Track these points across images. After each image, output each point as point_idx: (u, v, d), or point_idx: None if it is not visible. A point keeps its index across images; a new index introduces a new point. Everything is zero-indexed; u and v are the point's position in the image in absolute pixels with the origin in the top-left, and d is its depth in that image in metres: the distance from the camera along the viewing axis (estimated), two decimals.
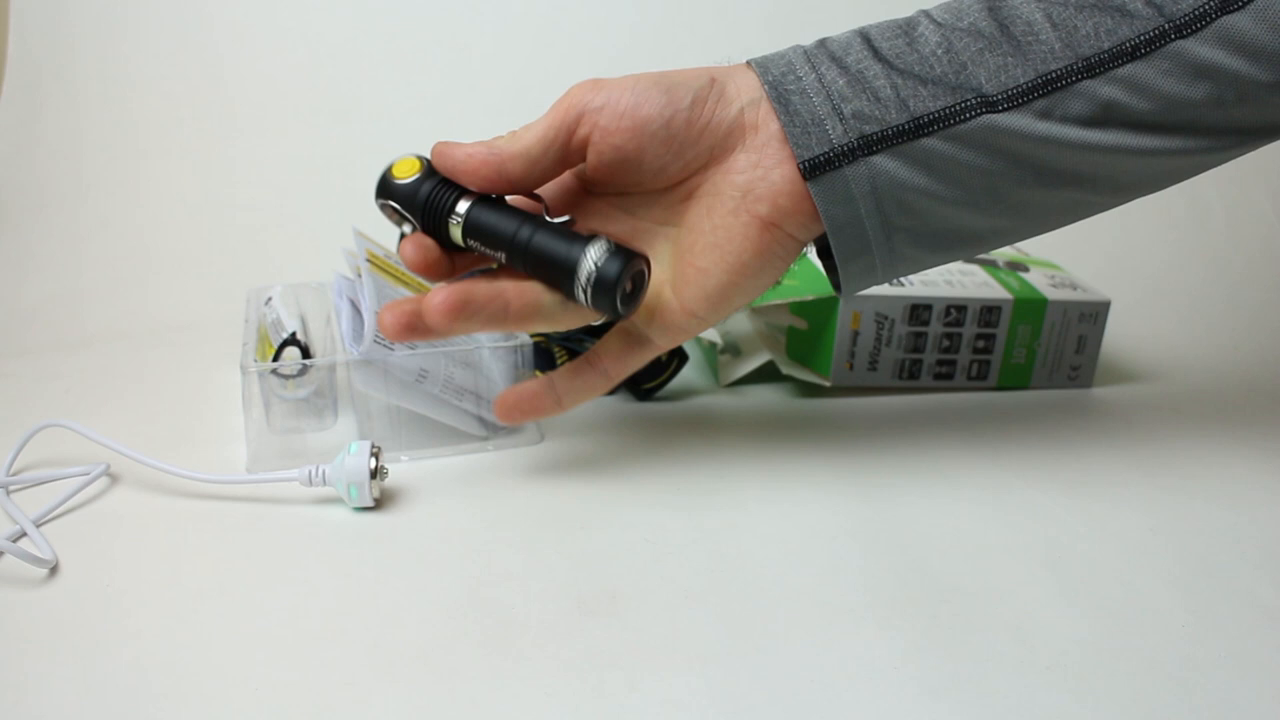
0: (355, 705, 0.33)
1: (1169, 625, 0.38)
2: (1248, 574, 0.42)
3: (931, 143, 0.39)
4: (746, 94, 0.40)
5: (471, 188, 0.41)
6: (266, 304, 0.61)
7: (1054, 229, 0.45)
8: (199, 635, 0.37)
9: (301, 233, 0.83)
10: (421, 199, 0.42)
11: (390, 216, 0.43)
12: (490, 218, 0.41)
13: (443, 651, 0.36)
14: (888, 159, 0.39)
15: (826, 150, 0.39)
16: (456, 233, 0.42)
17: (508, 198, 0.43)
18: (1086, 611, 0.39)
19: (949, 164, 0.39)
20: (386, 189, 0.42)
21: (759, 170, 0.40)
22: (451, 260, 0.43)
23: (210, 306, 0.75)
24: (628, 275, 0.40)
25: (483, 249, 0.42)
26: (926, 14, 0.41)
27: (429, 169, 0.42)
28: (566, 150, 0.41)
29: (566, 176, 0.44)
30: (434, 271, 0.42)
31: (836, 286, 0.44)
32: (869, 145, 0.39)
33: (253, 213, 0.87)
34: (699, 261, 0.42)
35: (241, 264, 0.81)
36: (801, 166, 0.39)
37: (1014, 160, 0.40)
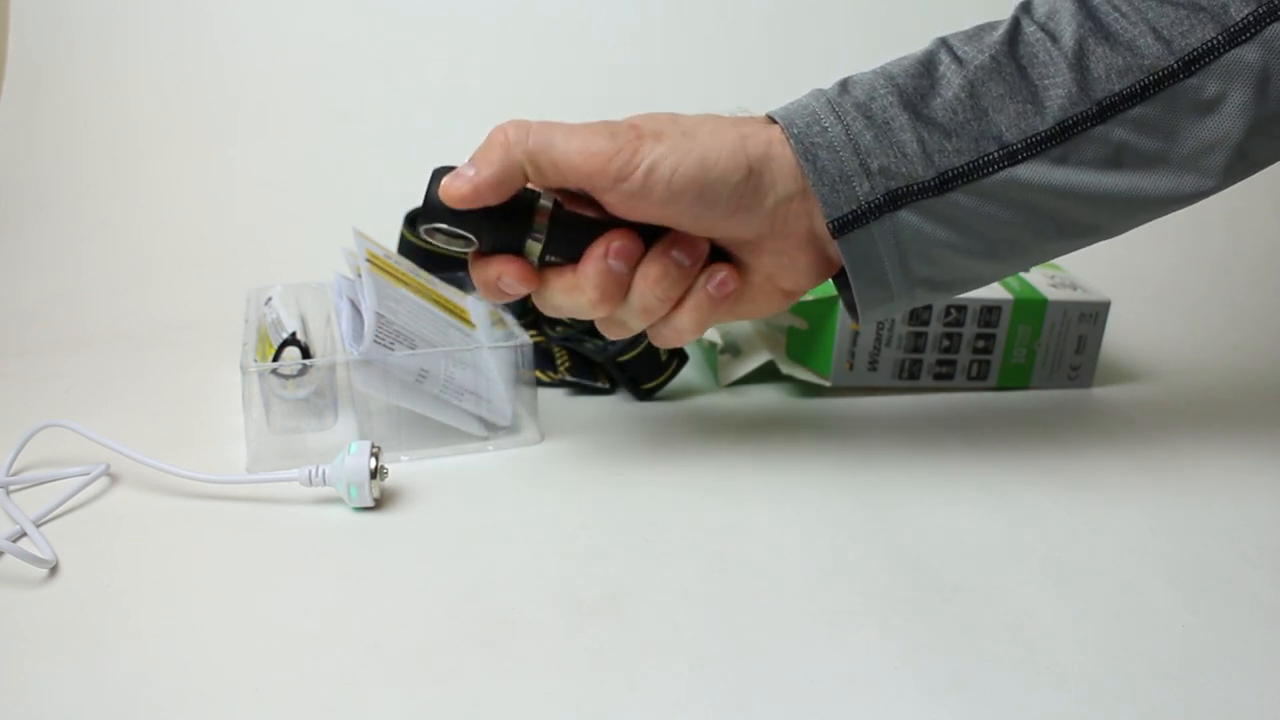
0: (355, 705, 0.33)
1: (1169, 625, 0.38)
2: (1248, 574, 0.42)
3: (956, 197, 0.40)
4: (782, 188, 0.40)
5: (500, 201, 0.40)
6: (266, 304, 0.61)
7: (1057, 258, 0.46)
8: (199, 635, 0.37)
9: (301, 233, 0.83)
10: (490, 223, 0.40)
11: (438, 239, 0.41)
12: (575, 234, 0.41)
13: (443, 651, 0.36)
14: (912, 214, 0.40)
15: (855, 208, 0.40)
16: (535, 251, 0.41)
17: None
18: (1086, 611, 0.39)
19: (972, 218, 0.40)
20: (441, 214, 0.40)
21: (785, 258, 0.42)
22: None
23: (210, 306, 0.74)
24: None
25: (561, 260, 0.42)
26: (947, 47, 0.41)
27: None
28: (585, 191, 0.40)
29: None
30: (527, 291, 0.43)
31: (852, 312, 0.44)
32: (895, 201, 0.40)
33: (253, 213, 0.87)
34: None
35: (241, 264, 0.81)
36: (830, 225, 0.40)
37: (1035, 213, 0.41)
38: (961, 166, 0.39)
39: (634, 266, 0.41)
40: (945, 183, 0.39)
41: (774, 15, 0.96)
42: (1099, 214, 0.41)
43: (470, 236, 0.41)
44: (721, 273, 0.42)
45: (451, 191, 0.39)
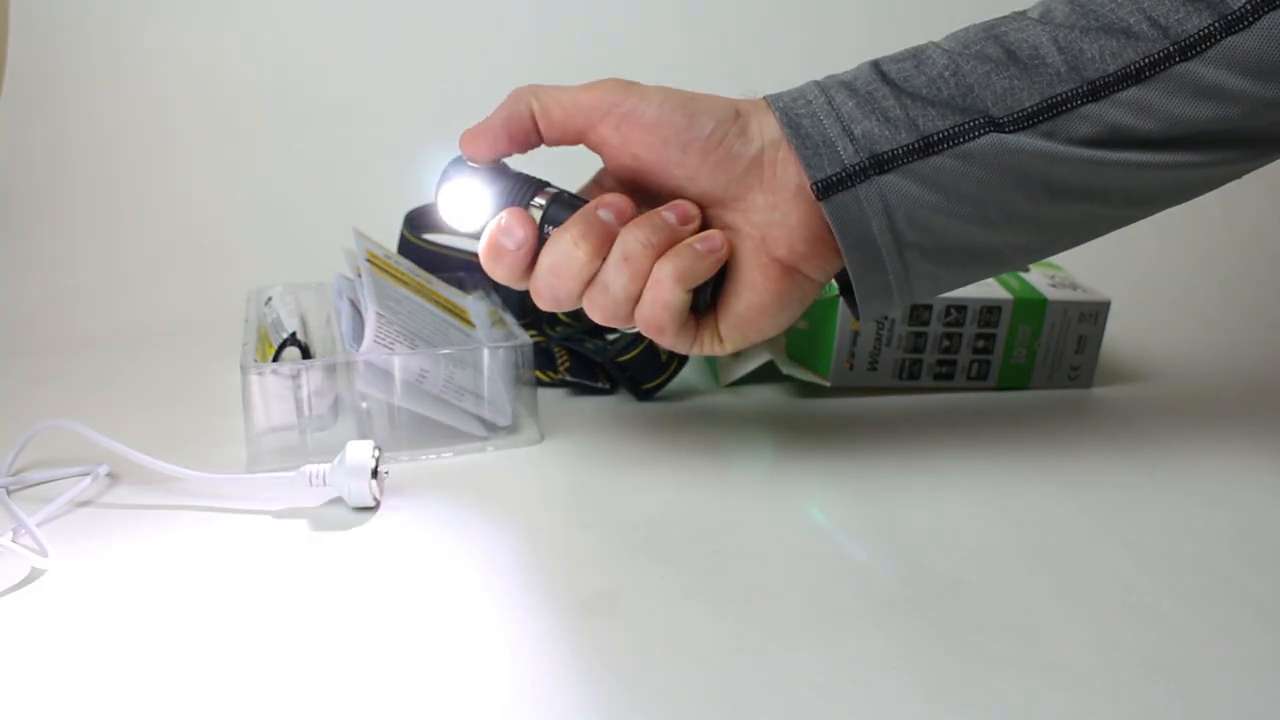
0: (354, 705, 0.33)
1: (1169, 625, 0.38)
2: (1248, 574, 0.42)
3: (941, 160, 0.39)
4: (768, 133, 0.41)
5: (512, 147, 0.43)
6: (266, 304, 0.61)
7: (1072, 246, 0.45)
8: (198, 635, 0.37)
9: (301, 233, 0.83)
10: (503, 183, 0.43)
11: (448, 204, 0.43)
12: (569, 213, 0.42)
13: (442, 652, 0.36)
14: (898, 177, 0.40)
15: (838, 170, 0.39)
16: (535, 218, 0.43)
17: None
18: (1086, 611, 0.39)
19: (959, 181, 0.40)
20: (462, 169, 0.43)
21: (776, 213, 0.41)
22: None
23: (210, 306, 0.74)
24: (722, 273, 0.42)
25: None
26: (934, 42, 0.42)
27: (500, 164, 0.44)
28: (583, 136, 0.42)
29: (595, 192, 0.45)
30: (527, 255, 0.43)
31: (854, 312, 0.44)
32: (880, 164, 0.39)
33: (253, 213, 0.87)
34: (722, 293, 0.43)
35: (241, 264, 0.81)
36: (814, 187, 0.40)
37: (1023, 177, 0.40)
38: (946, 130, 0.39)
39: (623, 223, 0.41)
40: (929, 146, 0.39)
41: (775, 17, 0.96)
42: (1090, 178, 0.40)
43: (485, 186, 0.43)
44: (712, 233, 0.41)
45: (468, 135, 0.43)
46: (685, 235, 0.41)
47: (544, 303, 0.43)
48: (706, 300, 0.42)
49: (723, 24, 0.96)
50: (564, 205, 0.42)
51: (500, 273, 0.43)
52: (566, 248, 0.41)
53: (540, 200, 0.42)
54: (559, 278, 0.41)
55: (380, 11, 0.94)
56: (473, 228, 0.43)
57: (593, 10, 0.96)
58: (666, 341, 0.43)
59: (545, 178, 0.44)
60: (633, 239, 0.41)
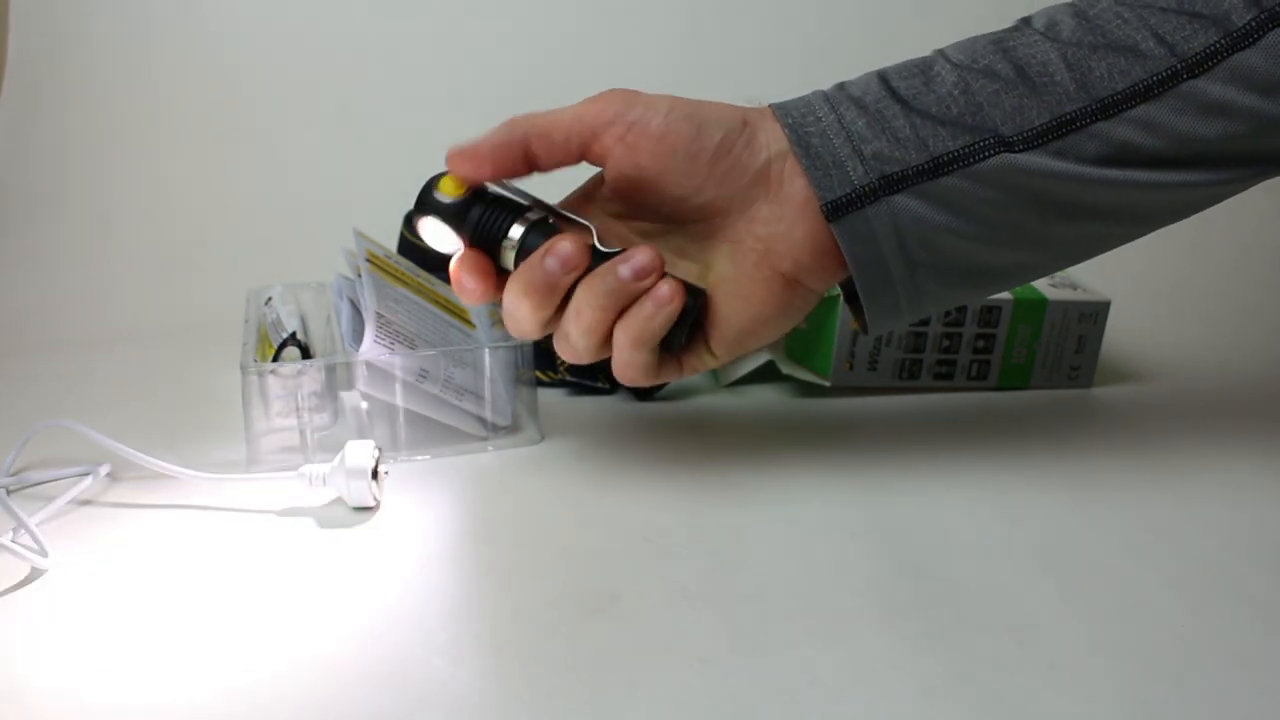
0: (354, 705, 0.33)
1: (1169, 625, 0.38)
2: (1248, 574, 0.42)
3: (951, 181, 0.39)
4: (775, 144, 0.41)
5: (499, 175, 0.41)
6: (266, 304, 0.61)
7: (1076, 263, 0.45)
8: (198, 635, 0.37)
9: (301, 233, 0.83)
10: (473, 219, 0.41)
11: (424, 227, 0.42)
12: (544, 241, 0.41)
13: (442, 652, 0.36)
14: (908, 198, 0.39)
15: (848, 191, 0.39)
16: (510, 257, 0.41)
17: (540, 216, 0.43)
18: (1086, 611, 0.39)
19: (969, 201, 0.40)
20: (431, 206, 0.41)
21: (782, 225, 0.41)
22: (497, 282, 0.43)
23: (210, 306, 0.74)
24: (688, 317, 0.41)
25: None
26: (942, 54, 0.41)
27: (475, 189, 0.42)
28: (586, 150, 0.41)
29: (585, 204, 0.44)
30: (488, 294, 0.42)
31: (863, 326, 0.44)
32: (890, 185, 0.39)
33: (253, 213, 0.87)
34: (720, 308, 0.42)
35: (241, 264, 0.81)
36: (824, 208, 0.39)
37: (1033, 196, 0.40)
38: (956, 150, 0.39)
39: (573, 275, 0.40)
40: (939, 167, 0.39)
41: (777, 20, 0.96)
42: (1101, 196, 0.40)
43: (454, 229, 0.41)
44: (660, 286, 0.40)
45: (457, 154, 0.41)
46: (640, 291, 0.40)
47: (514, 336, 0.43)
48: (681, 341, 0.42)
49: (721, 33, 0.96)
50: (540, 233, 0.41)
51: (468, 303, 0.43)
52: (514, 299, 0.41)
53: (518, 228, 0.41)
54: (514, 321, 0.42)
55: (381, 11, 0.94)
56: (450, 249, 0.43)
57: (596, 11, 0.96)
58: (646, 385, 0.43)
59: (533, 190, 0.43)
60: (584, 300, 0.40)
